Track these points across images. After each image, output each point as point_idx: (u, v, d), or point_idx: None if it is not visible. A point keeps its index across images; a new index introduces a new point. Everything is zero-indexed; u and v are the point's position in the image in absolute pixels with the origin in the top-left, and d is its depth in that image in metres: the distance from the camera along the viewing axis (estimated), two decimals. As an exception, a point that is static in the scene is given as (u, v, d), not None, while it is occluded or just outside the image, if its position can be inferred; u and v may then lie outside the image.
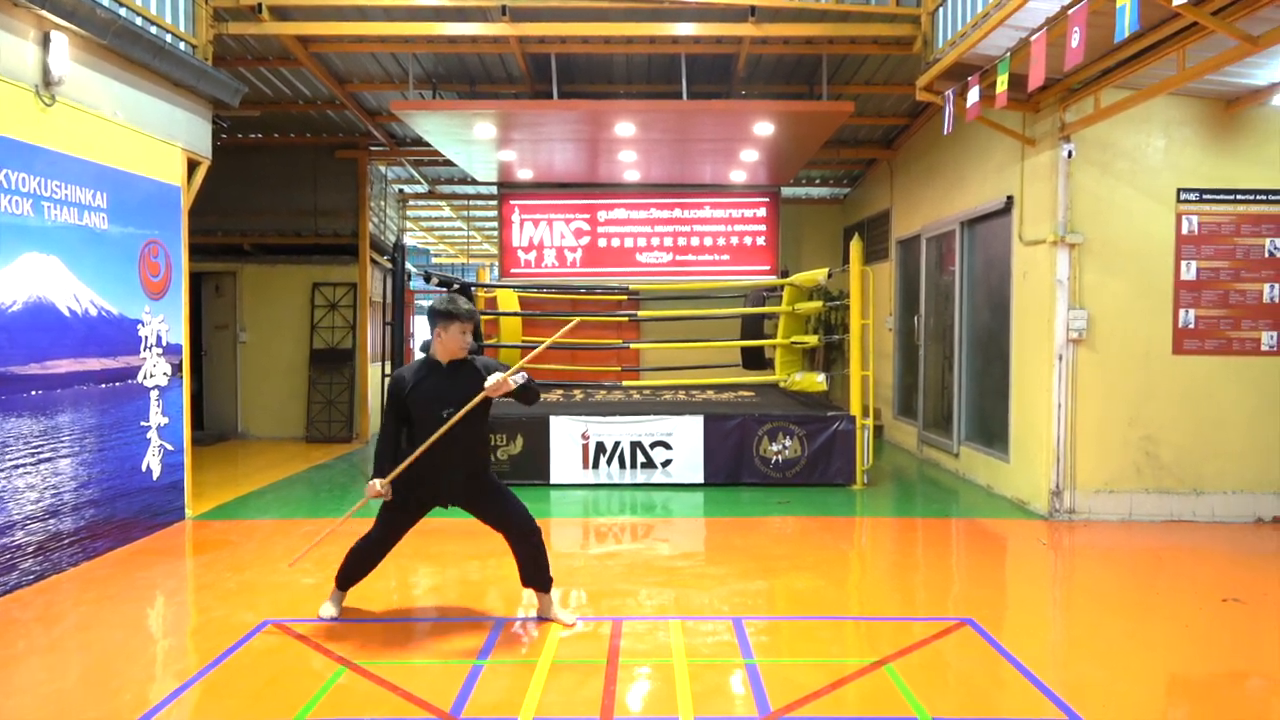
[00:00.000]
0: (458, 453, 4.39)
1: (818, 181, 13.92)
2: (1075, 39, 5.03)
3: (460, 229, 18.52)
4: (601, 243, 12.61)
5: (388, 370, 8.64)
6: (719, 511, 7.44)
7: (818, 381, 9.04)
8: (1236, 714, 3.68)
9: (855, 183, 13.49)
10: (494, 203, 13.86)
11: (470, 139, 9.54)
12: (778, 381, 10.15)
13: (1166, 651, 4.31)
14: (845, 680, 3.85)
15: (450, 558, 5.85)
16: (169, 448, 6.76)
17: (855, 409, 8.38)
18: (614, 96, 10.00)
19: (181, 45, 6.93)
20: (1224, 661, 4.22)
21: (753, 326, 10.82)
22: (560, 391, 10.45)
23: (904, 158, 11.14)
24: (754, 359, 11.11)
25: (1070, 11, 5.15)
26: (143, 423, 6.47)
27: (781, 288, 10.21)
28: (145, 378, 6.51)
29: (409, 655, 4.18)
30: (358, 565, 4.63)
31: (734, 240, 12.63)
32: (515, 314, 10.64)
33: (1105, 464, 7.03)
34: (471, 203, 15.33)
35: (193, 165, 7.23)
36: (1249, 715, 3.69)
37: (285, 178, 11.74)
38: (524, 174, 11.73)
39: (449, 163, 11.73)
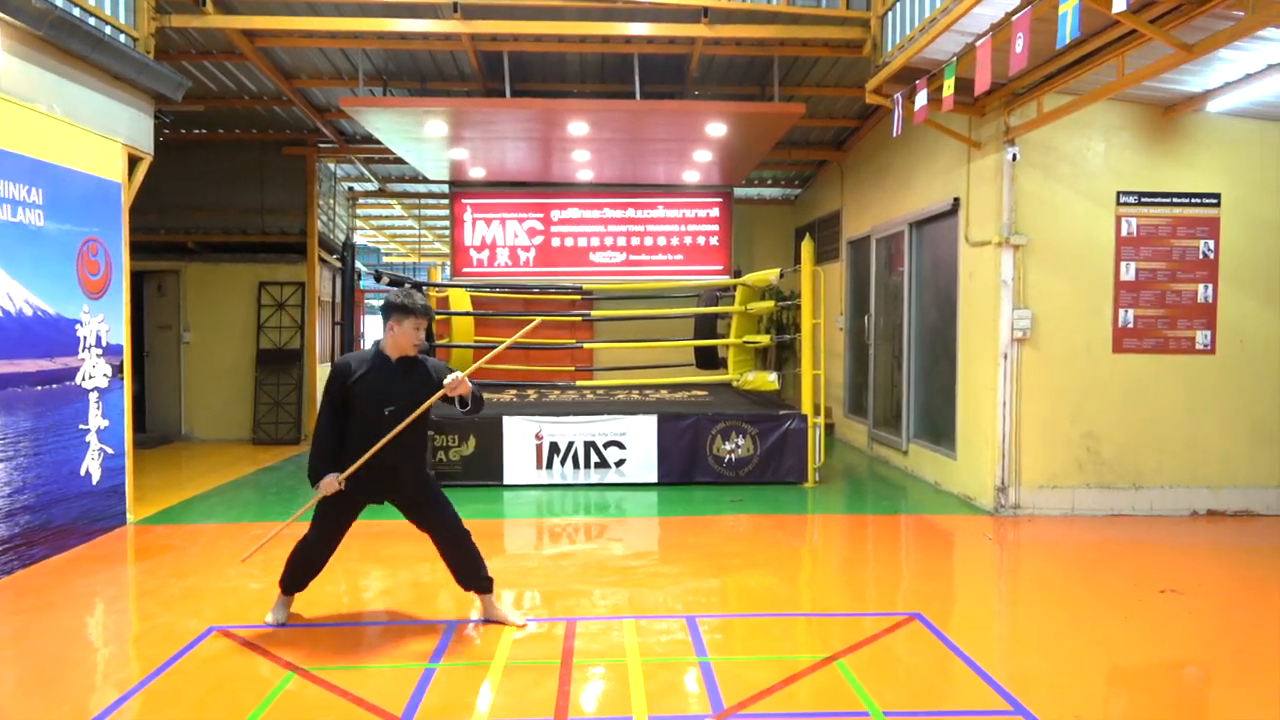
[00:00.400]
0: (402, 451, 4.34)
1: (770, 182, 14.03)
2: (1019, 44, 5.14)
3: (411, 228, 18.31)
4: (555, 242, 12.57)
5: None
6: (672, 510, 7.46)
7: (770, 380, 9.11)
8: (1174, 702, 3.80)
9: (806, 183, 13.63)
10: (446, 201, 13.73)
11: (421, 137, 9.44)
12: (730, 381, 10.22)
13: (1108, 642, 4.42)
14: (797, 676, 3.88)
15: (401, 560, 5.78)
16: (109, 451, 6.57)
17: (807, 408, 8.47)
18: (567, 95, 9.97)
19: (122, 37, 6.75)
20: (1162, 651, 4.35)
21: (706, 326, 10.86)
22: (514, 392, 10.39)
23: (854, 159, 11.28)
24: (707, 358, 11.16)
25: (1014, 17, 5.26)
26: (81, 426, 6.28)
27: (734, 287, 10.28)
28: (84, 379, 6.33)
29: (359, 660, 4.12)
30: (301, 569, 4.52)
31: (687, 240, 12.67)
32: (468, 314, 10.56)
33: (1048, 460, 7.19)
34: (423, 201, 15.17)
35: (134, 161, 7.04)
36: (1186, 703, 3.81)
37: (231, 174, 11.50)
38: (476, 172, 11.64)
39: (400, 161, 11.60)
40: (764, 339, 9.78)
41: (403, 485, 4.44)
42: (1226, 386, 7.21)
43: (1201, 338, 7.21)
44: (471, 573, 4.54)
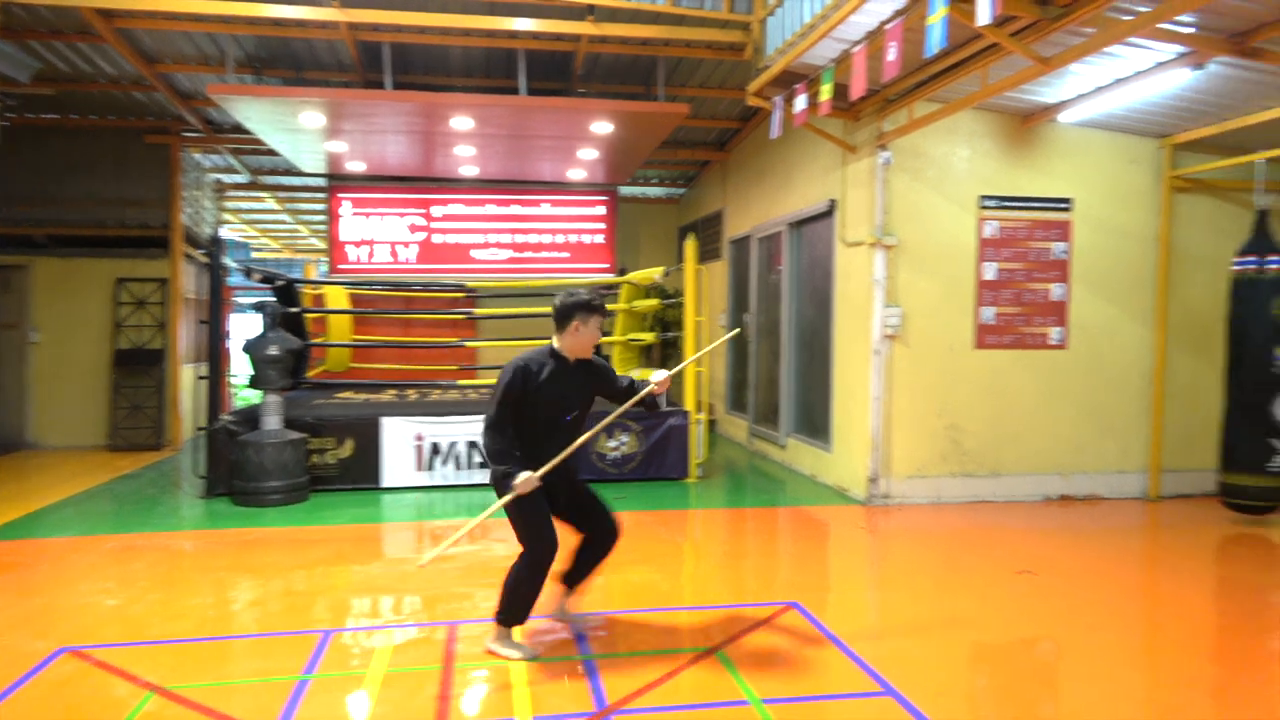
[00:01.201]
0: (577, 453, 4.26)
1: (654, 181, 14.16)
2: (892, 53, 5.35)
3: (285, 222, 17.58)
4: (437, 239, 12.32)
5: (203, 372, 8.08)
6: (558, 509, 7.42)
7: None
8: (1030, 675, 4.03)
9: (690, 183, 13.81)
10: (323, 195, 13.24)
11: (296, 128, 9.08)
12: (616, 378, 10.24)
13: (970, 622, 4.66)
14: (679, 669, 3.93)
15: (273, 569, 5.55)
16: (-57, 460, 6.05)
17: (689, 405, 8.58)
18: (451, 89, 9.78)
19: (-45, 11, 6.22)
20: (1018, 628, 4.61)
21: (591, 324, 10.85)
22: (393, 392, 10.13)
23: (736, 160, 11.51)
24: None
25: (887, 27, 5.47)
26: (-90, 432, 5.75)
27: (619, 285, 10.32)
28: (-87, 382, 5.80)
29: (226, 675, 3.93)
30: (534, 594, 4.16)
31: (573, 238, 12.64)
32: (346, 311, 10.25)
33: (917, 451, 7.52)
34: (297, 194, 14.59)
35: (-29, 145, 6.50)
36: (1040, 675, 4.06)
37: (86, 163, 10.75)
38: (355, 166, 11.29)
39: (273, 152, 11.12)
40: (648, 337, 9.86)
41: (572, 485, 4.34)
42: (1076, 380, 7.71)
43: (1055, 334, 7.68)
44: (586, 574, 4.50)
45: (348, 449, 7.99)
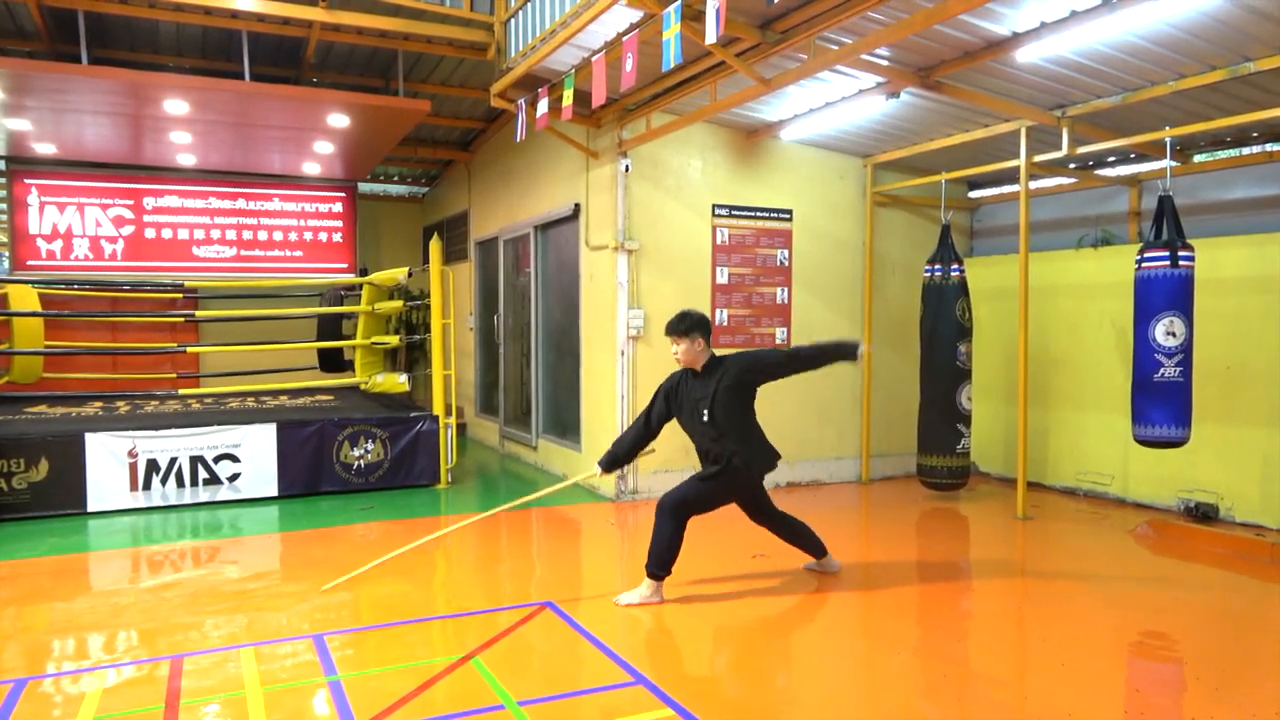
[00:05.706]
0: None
1: (396, 179, 13.71)
2: (629, 64, 5.55)
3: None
4: (149, 233, 11.17)
5: None
6: (296, 524, 6.99)
7: (400, 382, 8.92)
8: (766, 650, 4.35)
9: (434, 182, 13.52)
10: (1, 181, 11.55)
11: (-36, 101, 7.85)
12: (358, 384, 9.83)
13: (712, 606, 4.95)
14: (433, 680, 3.84)
15: (-53, 614, 4.76)
16: None
17: (438, 408, 8.40)
18: (162, 69, 8.88)
19: None
20: (755, 609, 4.96)
21: (330, 327, 10.34)
22: (99, 404, 9.04)
23: (481, 160, 11.41)
24: (332, 361, 10.64)
25: (625, 39, 5.67)
26: None
27: (360, 287, 9.90)
28: None
29: (-115, 744, 3.33)
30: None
31: (308, 236, 11.96)
32: (34, 314, 9.01)
33: (661, 447, 7.81)
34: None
35: None
36: (775, 649, 4.39)
37: None
38: (44, 148, 9.95)
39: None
40: (393, 340, 9.55)
41: (755, 496, 5.53)
42: (799, 376, 8.38)
43: (780, 334, 8.34)
44: (812, 545, 5.54)
45: (41, 470, 7.02)
